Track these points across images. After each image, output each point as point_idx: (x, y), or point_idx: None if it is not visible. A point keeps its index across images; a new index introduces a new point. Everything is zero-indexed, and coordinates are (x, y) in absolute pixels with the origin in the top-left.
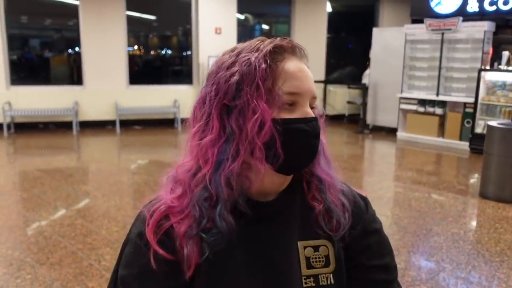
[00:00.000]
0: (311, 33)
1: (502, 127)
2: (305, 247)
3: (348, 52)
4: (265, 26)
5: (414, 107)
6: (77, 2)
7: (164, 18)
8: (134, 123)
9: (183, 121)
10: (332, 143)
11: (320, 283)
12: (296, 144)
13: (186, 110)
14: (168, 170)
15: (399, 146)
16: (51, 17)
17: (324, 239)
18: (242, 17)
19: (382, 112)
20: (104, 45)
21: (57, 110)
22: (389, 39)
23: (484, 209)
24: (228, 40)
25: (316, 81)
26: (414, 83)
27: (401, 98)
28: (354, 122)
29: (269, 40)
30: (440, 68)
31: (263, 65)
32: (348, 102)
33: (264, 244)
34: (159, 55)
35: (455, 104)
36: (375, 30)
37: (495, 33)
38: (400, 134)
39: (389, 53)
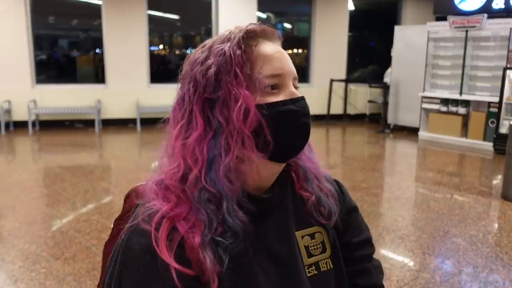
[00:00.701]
0: (332, 31)
1: None
2: (302, 237)
3: (370, 51)
4: (287, 25)
5: (436, 107)
6: (100, 2)
7: (187, 18)
8: (155, 121)
9: None
10: (353, 143)
11: (321, 270)
12: (287, 127)
13: None
14: (148, 176)
15: (421, 146)
16: (77, 18)
17: (317, 226)
18: (264, 16)
19: (403, 112)
20: (126, 44)
21: (81, 108)
22: (411, 37)
23: (506, 211)
24: None
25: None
26: (437, 82)
27: (423, 97)
28: (375, 121)
29: (239, 28)
30: (463, 66)
31: (238, 52)
32: (369, 101)
33: (269, 241)
34: (184, 54)
35: (479, 103)
36: (397, 28)
37: None
38: (422, 134)
39: (411, 52)
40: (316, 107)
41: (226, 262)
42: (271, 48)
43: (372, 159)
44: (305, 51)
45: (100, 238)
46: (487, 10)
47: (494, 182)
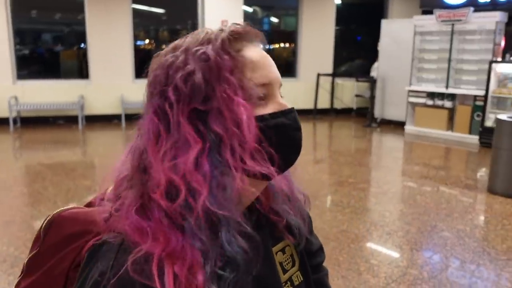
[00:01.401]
0: (319, 25)
1: None
2: (276, 253)
3: (357, 45)
4: (274, 19)
5: (423, 100)
6: None
7: (172, 12)
8: (141, 117)
9: None
10: (340, 137)
11: (295, 284)
12: (278, 142)
13: None
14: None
15: (407, 140)
16: (60, 11)
17: (285, 238)
18: (250, 9)
19: (390, 106)
20: (110, 38)
21: (64, 104)
22: (398, 31)
23: (492, 204)
24: None
25: (324, 74)
26: (423, 76)
27: (409, 91)
28: (362, 115)
29: (218, 29)
30: (450, 60)
31: (225, 56)
32: (356, 96)
33: (257, 268)
34: None
35: (465, 97)
36: (383, 22)
37: (507, 24)
38: (408, 127)
39: (398, 46)
40: (303, 101)
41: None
42: (257, 53)
43: (359, 153)
44: (292, 45)
45: None
46: (473, 3)
47: (480, 175)
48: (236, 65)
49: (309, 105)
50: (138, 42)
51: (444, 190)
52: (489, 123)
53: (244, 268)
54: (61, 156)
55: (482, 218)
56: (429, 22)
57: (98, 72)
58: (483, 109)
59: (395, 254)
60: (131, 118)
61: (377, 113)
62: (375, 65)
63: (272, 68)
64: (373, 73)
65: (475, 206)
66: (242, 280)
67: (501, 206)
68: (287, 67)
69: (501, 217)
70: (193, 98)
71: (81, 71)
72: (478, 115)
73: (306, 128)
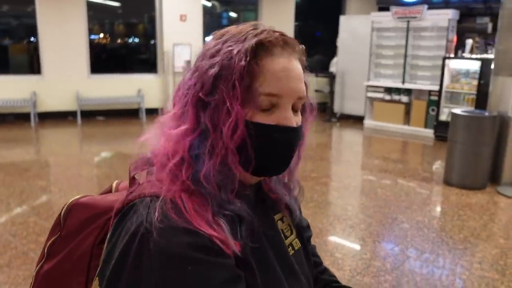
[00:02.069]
0: (278, 20)
1: (466, 115)
2: (277, 221)
3: (316, 40)
4: (232, 14)
5: (380, 95)
6: None
7: (128, 5)
8: (97, 114)
9: (148, 111)
10: None
11: (295, 248)
12: (270, 153)
13: (150, 100)
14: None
15: (366, 134)
16: (8, 3)
17: (282, 210)
18: (209, 4)
19: (349, 101)
20: (63, 32)
21: (14, 101)
22: (356, 27)
23: (448, 196)
24: (194, 27)
25: None
26: (380, 71)
27: (367, 86)
28: (322, 110)
29: (258, 31)
30: (405, 56)
31: (242, 62)
32: (316, 91)
33: (265, 229)
34: (126, 43)
35: (420, 92)
36: (342, 18)
37: (459, 22)
38: (367, 122)
39: (356, 41)
40: None
41: (244, 233)
42: (279, 64)
43: (320, 148)
44: None
45: (38, 242)
46: (427, 1)
47: (436, 168)
48: (250, 71)
49: None
50: (93, 36)
51: (403, 183)
52: (443, 117)
53: (248, 219)
54: (13, 155)
55: (439, 209)
56: (385, 18)
57: (51, 67)
58: (437, 103)
59: (359, 247)
60: (88, 115)
61: (337, 108)
62: (334, 60)
63: (288, 80)
64: (332, 68)
65: (433, 198)
66: (253, 231)
67: (456, 197)
68: None
69: (457, 208)
70: (202, 88)
71: (32, 66)
72: (433, 110)
73: None
